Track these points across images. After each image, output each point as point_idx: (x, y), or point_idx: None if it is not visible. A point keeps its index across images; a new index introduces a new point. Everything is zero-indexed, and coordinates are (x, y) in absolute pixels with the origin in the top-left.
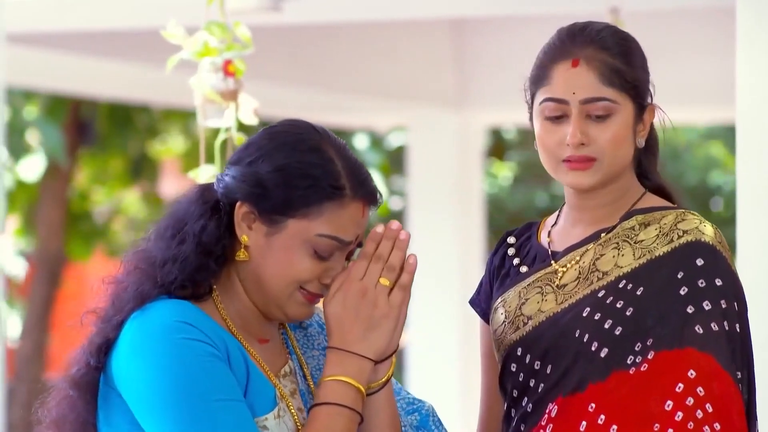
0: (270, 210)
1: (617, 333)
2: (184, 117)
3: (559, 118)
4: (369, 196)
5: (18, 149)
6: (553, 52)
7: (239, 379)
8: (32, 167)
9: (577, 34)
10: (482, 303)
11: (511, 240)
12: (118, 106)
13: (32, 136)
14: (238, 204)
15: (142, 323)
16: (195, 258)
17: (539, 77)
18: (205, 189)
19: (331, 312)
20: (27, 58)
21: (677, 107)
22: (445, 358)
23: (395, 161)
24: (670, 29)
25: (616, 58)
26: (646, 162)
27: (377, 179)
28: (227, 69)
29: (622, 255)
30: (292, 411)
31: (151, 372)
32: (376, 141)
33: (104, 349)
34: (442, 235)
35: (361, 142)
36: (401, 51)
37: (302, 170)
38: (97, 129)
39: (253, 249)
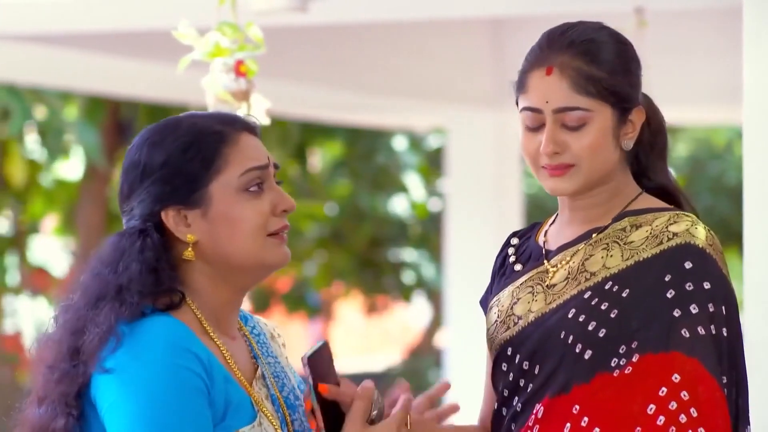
0: (189, 193)
1: (601, 335)
2: None
3: (537, 127)
4: (245, 125)
5: (56, 150)
6: (532, 59)
7: (221, 396)
8: (72, 167)
9: (556, 38)
10: (486, 303)
11: (514, 241)
12: (158, 107)
13: (71, 138)
14: (163, 215)
15: (140, 342)
16: (146, 275)
17: (519, 84)
18: (122, 233)
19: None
20: (57, 58)
21: (708, 106)
22: (482, 359)
23: (434, 163)
24: (697, 28)
25: (592, 64)
26: (647, 162)
27: (418, 181)
28: (239, 69)
29: (611, 256)
30: (270, 418)
31: (136, 392)
32: (415, 142)
33: (81, 393)
34: (481, 235)
35: (400, 144)
36: (440, 51)
37: (184, 144)
38: (136, 129)
39: (202, 238)
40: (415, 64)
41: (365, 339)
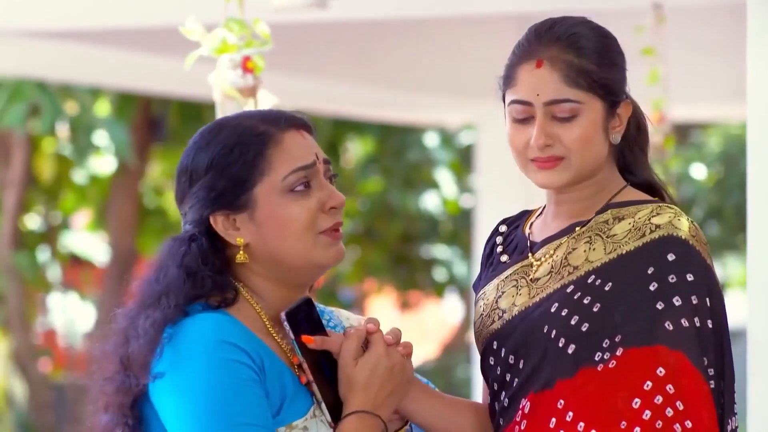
0: (235, 197)
1: (584, 329)
2: None
3: (525, 120)
4: (292, 120)
5: (86, 147)
6: (520, 52)
7: (277, 390)
8: (104, 163)
9: (543, 33)
10: (477, 288)
11: (502, 229)
12: (189, 103)
13: (100, 135)
14: (211, 220)
15: (183, 341)
16: (184, 281)
17: (507, 78)
18: (176, 237)
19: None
20: (85, 54)
21: (730, 104)
22: None
23: (466, 159)
24: (717, 24)
25: (582, 57)
26: (631, 157)
27: (449, 177)
28: (246, 66)
29: (593, 249)
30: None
31: (187, 390)
32: (447, 139)
33: (138, 401)
34: None
35: (431, 140)
36: (470, 48)
37: (226, 148)
38: (168, 125)
39: (252, 241)
40: (445, 60)
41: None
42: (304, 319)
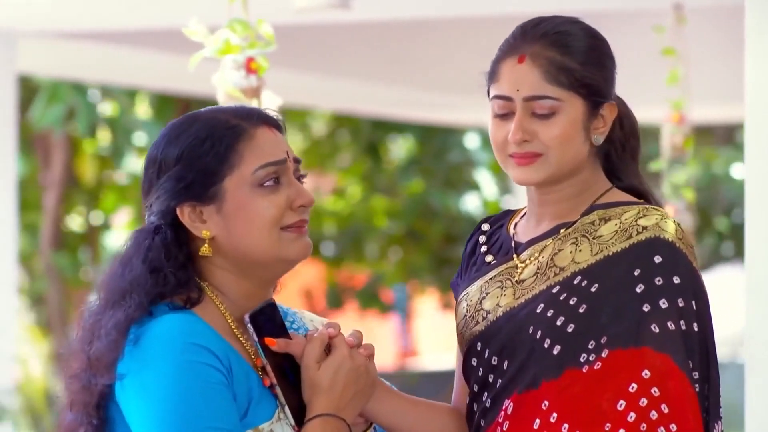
0: (204, 188)
1: (570, 330)
2: (301, 115)
3: (506, 115)
4: (265, 119)
5: (124, 147)
6: (505, 48)
7: (243, 392)
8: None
9: (529, 30)
10: (457, 287)
11: (485, 227)
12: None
13: (140, 136)
14: (178, 212)
15: (150, 342)
16: (148, 276)
17: (491, 73)
18: (141, 229)
19: (323, 377)
20: (122, 56)
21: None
22: None
23: None
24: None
25: (565, 55)
26: (619, 163)
27: (489, 178)
28: (249, 66)
29: (580, 251)
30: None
31: (155, 393)
32: (487, 140)
33: (103, 401)
34: None
35: (472, 141)
36: None
37: (198, 140)
38: None
39: (218, 234)
40: (485, 61)
41: (444, 336)
42: (268, 321)
